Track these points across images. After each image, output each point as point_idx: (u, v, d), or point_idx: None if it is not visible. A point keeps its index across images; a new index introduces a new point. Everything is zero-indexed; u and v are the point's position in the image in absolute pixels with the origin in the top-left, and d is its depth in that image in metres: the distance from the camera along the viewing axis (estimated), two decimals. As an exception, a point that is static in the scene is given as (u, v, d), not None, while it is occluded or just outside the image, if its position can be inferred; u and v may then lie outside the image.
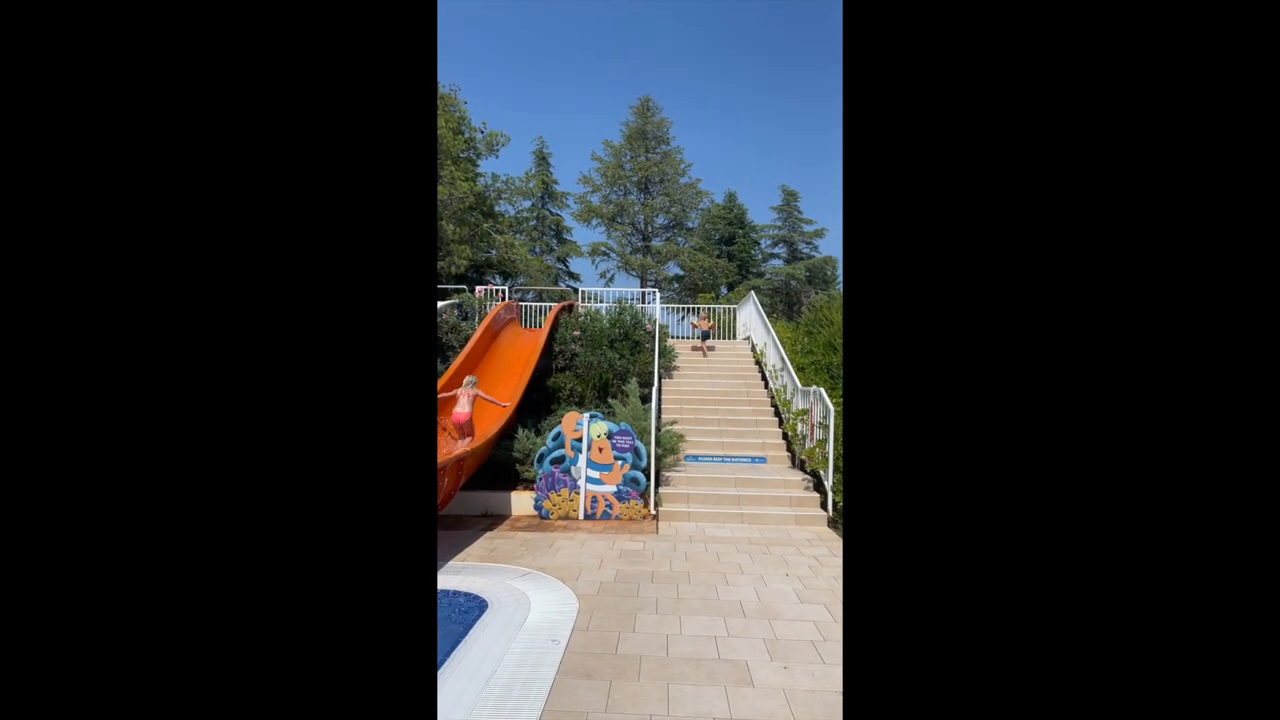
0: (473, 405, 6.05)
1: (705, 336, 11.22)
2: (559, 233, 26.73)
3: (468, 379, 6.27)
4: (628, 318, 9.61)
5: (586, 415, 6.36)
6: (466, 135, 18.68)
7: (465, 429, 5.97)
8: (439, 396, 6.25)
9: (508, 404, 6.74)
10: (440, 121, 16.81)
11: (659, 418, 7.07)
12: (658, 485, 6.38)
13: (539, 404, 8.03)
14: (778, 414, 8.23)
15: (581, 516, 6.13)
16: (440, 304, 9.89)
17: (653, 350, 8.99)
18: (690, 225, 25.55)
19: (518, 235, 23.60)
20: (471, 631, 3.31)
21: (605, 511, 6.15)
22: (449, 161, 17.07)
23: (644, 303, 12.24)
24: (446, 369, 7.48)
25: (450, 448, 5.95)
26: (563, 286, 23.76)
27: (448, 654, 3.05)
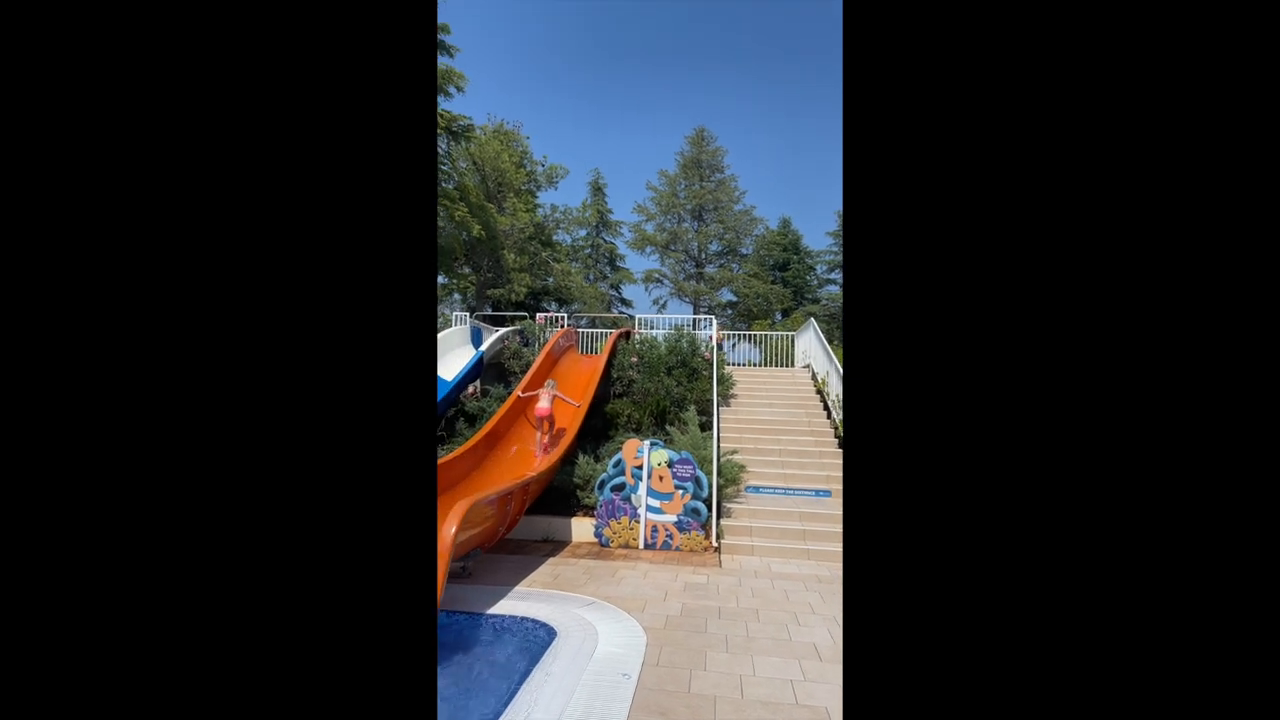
0: (552, 403, 6.99)
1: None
2: (612, 260, 27.28)
3: (548, 381, 7.27)
4: (685, 344, 9.61)
5: (647, 443, 6.34)
6: (528, 169, 19.51)
7: (546, 423, 6.93)
8: (523, 395, 7.39)
9: (580, 403, 7.48)
10: (504, 156, 17.65)
11: (719, 446, 6.96)
12: (719, 517, 6.25)
13: (598, 430, 8.08)
14: (842, 446, 7.95)
15: (642, 545, 6.07)
16: (503, 330, 10.22)
17: (710, 377, 8.93)
18: (744, 252, 25.54)
19: (573, 263, 24.25)
20: (542, 660, 3.30)
21: (665, 541, 6.07)
22: (511, 194, 17.85)
23: (695, 329, 12.13)
24: (510, 393, 7.72)
25: (532, 439, 7.02)
26: (615, 313, 24.11)
27: (520, 681, 3.05)
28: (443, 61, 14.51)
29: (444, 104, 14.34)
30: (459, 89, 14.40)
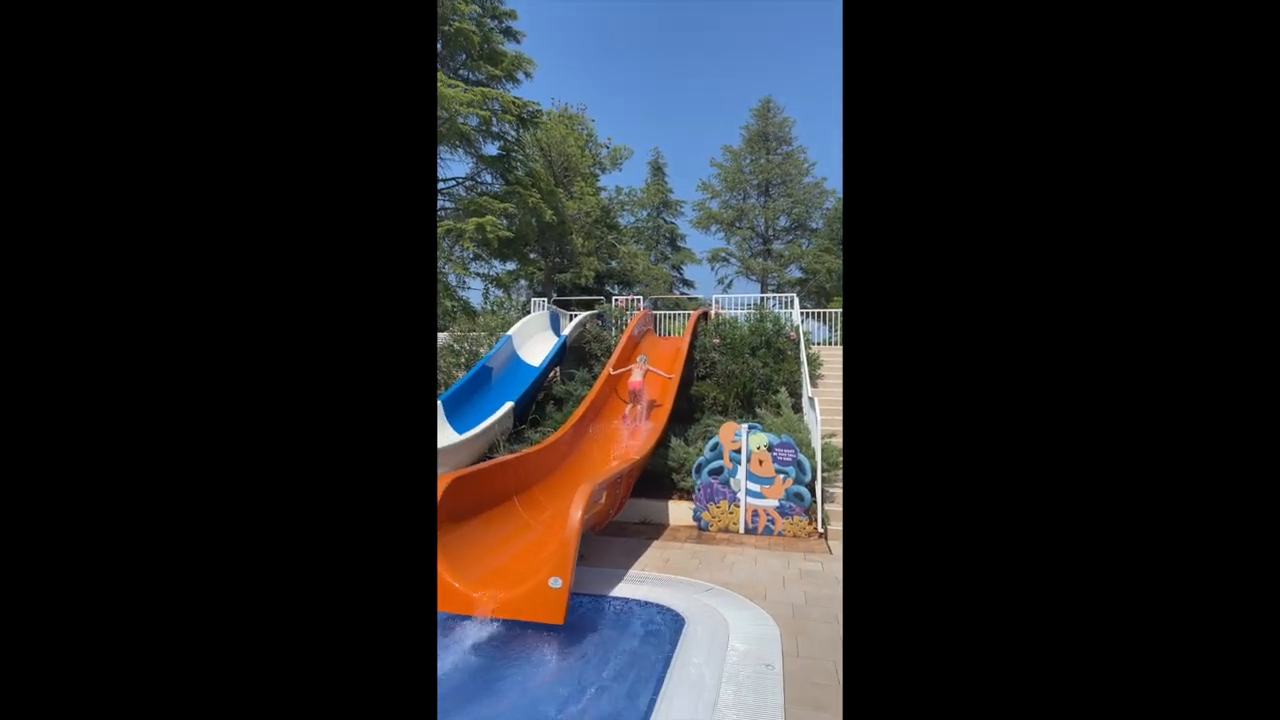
0: (644, 376, 7.37)
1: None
2: (673, 240, 26.95)
3: (640, 356, 7.63)
4: (768, 324, 9.33)
5: (745, 426, 6.19)
6: (592, 152, 19.46)
7: (638, 395, 7.27)
8: (614, 373, 7.66)
9: (673, 375, 7.69)
10: (570, 140, 17.66)
11: (820, 429, 6.71)
12: (823, 502, 6.05)
13: (684, 412, 8.00)
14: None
15: (742, 530, 5.96)
16: (583, 314, 10.29)
17: (796, 359, 8.63)
18: (814, 226, 24.56)
19: (637, 245, 24.13)
20: (679, 648, 3.27)
21: (767, 526, 5.93)
22: (578, 178, 17.88)
23: (768, 307, 11.56)
24: (595, 376, 7.79)
25: (623, 414, 7.28)
26: (677, 294, 23.86)
27: (664, 668, 3.03)
28: (510, 48, 14.58)
29: (513, 90, 14.44)
30: (527, 75, 14.45)
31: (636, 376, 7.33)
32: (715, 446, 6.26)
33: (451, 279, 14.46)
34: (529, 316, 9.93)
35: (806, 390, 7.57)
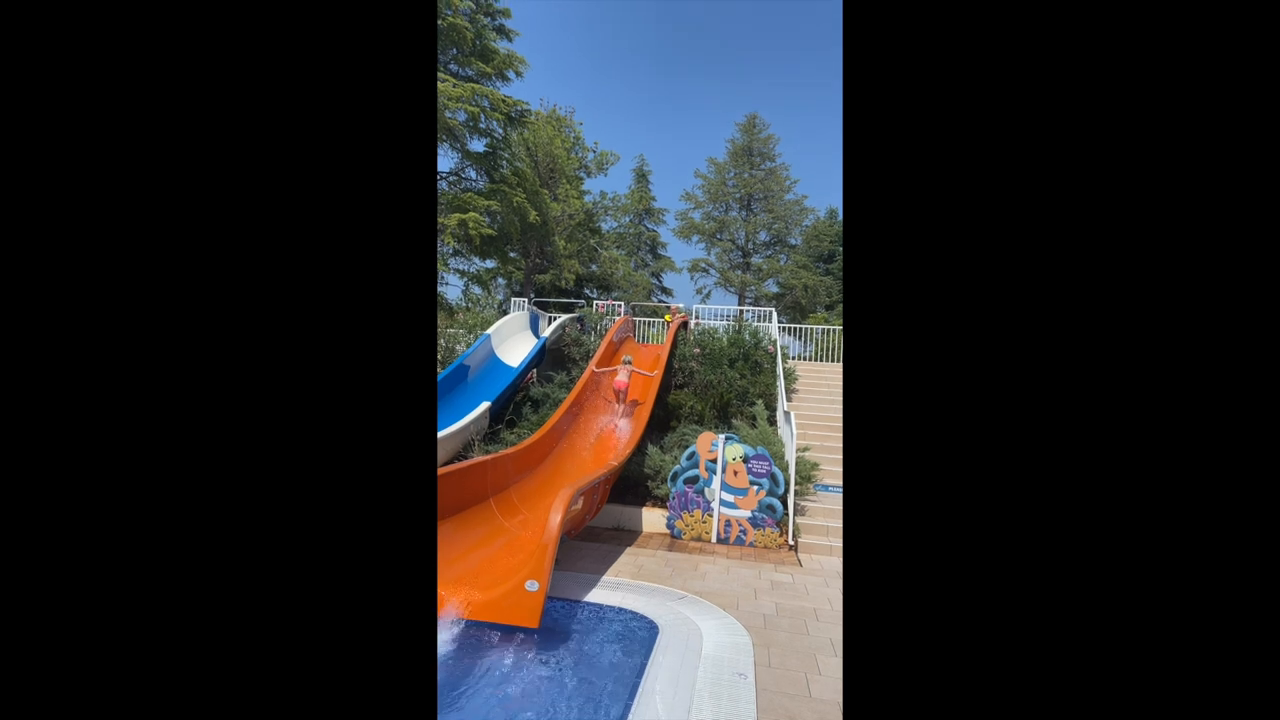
0: (630, 377, 7.64)
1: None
2: (654, 248, 27.06)
3: (625, 358, 7.96)
4: (747, 336, 9.45)
5: (722, 437, 6.26)
6: (579, 155, 19.44)
7: (623, 395, 7.53)
8: (599, 370, 7.89)
9: (655, 373, 7.98)
10: (557, 142, 17.63)
11: (795, 442, 6.82)
12: (794, 515, 6.15)
13: (660, 420, 8.04)
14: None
15: (714, 540, 6.02)
16: (564, 317, 10.25)
17: (773, 372, 8.76)
18: (793, 242, 24.98)
19: (618, 250, 24.15)
20: (653, 655, 3.29)
21: (739, 537, 6.00)
22: (563, 179, 17.83)
23: (742, 319, 11.66)
24: (578, 379, 7.78)
25: (610, 412, 7.52)
26: (655, 301, 23.95)
27: (638, 675, 3.04)
28: (502, 46, 14.49)
29: (503, 89, 14.35)
30: (518, 74, 14.38)
31: (622, 377, 7.51)
32: (692, 455, 6.31)
33: (430, 274, 14.18)
34: (509, 316, 9.84)
35: (782, 404, 7.69)
